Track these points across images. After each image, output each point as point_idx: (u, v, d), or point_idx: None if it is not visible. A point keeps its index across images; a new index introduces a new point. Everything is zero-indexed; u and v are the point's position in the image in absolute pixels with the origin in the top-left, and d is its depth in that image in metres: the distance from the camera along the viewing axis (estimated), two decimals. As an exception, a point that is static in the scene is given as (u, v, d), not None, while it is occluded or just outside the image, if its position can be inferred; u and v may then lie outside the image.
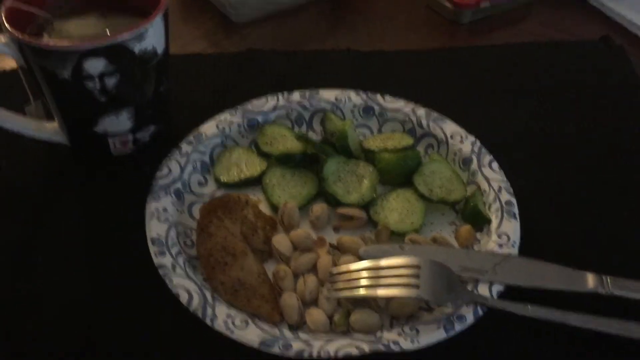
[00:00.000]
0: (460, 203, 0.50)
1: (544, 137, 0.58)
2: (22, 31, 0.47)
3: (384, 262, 0.42)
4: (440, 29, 0.73)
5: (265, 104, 0.57)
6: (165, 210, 0.48)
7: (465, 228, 0.48)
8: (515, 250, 0.45)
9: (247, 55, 0.67)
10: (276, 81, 0.63)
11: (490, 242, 0.46)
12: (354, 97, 0.57)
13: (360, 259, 0.45)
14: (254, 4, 0.71)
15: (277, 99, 0.57)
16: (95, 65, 0.46)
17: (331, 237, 0.48)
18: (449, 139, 0.53)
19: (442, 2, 0.73)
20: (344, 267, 0.43)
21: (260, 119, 0.56)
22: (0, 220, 0.50)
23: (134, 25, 0.46)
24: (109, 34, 0.48)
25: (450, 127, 0.54)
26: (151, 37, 0.48)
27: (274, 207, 0.50)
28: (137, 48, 0.47)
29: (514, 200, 0.48)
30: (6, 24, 0.46)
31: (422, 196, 0.49)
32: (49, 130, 0.53)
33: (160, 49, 0.49)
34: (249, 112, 0.56)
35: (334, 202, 0.50)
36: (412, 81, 0.64)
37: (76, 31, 0.50)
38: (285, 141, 0.54)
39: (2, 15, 0.47)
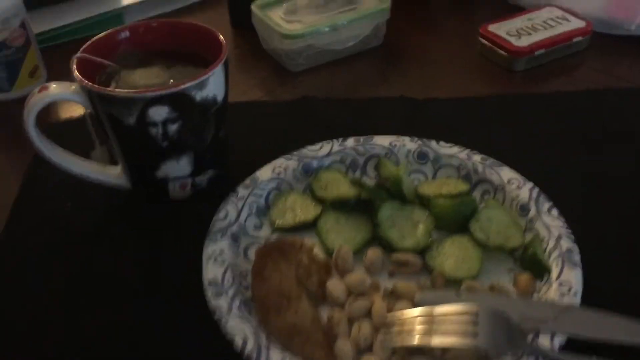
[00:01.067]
0: (518, 250, 0.49)
1: (602, 184, 0.56)
2: (91, 80, 0.50)
3: (440, 309, 0.42)
4: (495, 77, 0.73)
5: (320, 150, 0.57)
6: (222, 252, 0.48)
7: (525, 276, 0.47)
8: (577, 300, 0.44)
9: (302, 102, 0.68)
10: (330, 128, 0.64)
11: (551, 292, 0.45)
12: (409, 143, 0.58)
13: (416, 305, 0.44)
14: (309, 54, 0.73)
15: (332, 145, 0.58)
16: (159, 112, 0.48)
17: (386, 283, 0.48)
18: (506, 185, 0.53)
19: (497, 50, 0.73)
20: (399, 314, 0.43)
21: (315, 164, 0.57)
22: (62, 257, 0.52)
23: (195, 75, 0.48)
24: (171, 82, 0.51)
25: (507, 173, 0.54)
26: (212, 85, 0.49)
27: (329, 251, 0.50)
28: (198, 96, 0.49)
29: (575, 248, 0.47)
30: (76, 73, 0.49)
31: (478, 243, 0.49)
32: (112, 174, 0.55)
33: (220, 97, 0.51)
34: (304, 157, 0.57)
35: (388, 247, 0.49)
36: (466, 129, 0.64)
37: (142, 81, 0.52)
38: (340, 186, 0.55)
39: (73, 65, 0.50)
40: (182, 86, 0.47)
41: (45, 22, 0.79)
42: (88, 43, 0.52)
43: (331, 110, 0.67)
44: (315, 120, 0.66)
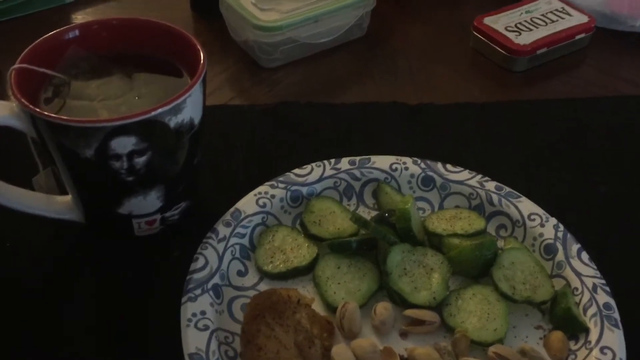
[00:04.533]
0: (547, 303, 0.43)
1: (622, 209, 0.51)
2: (34, 95, 0.40)
3: (475, 393, 0.35)
4: (492, 77, 0.65)
5: (309, 174, 0.49)
6: (203, 313, 0.40)
7: (557, 336, 0.41)
8: (623, 370, 0.38)
9: (281, 108, 0.60)
10: (315, 139, 0.56)
11: (591, 358, 0.39)
12: (412, 166, 0.50)
13: (442, 382, 0.37)
14: (285, 48, 0.64)
15: (323, 168, 0.50)
16: (124, 144, 0.38)
17: (397, 343, 0.41)
18: (527, 221, 0.46)
19: (494, 47, 0.66)
20: (424, 396, 0.36)
21: (304, 191, 0.49)
22: (2, 311, 0.42)
23: (168, 93, 0.39)
24: (137, 100, 0.41)
25: (527, 207, 0.47)
26: (189, 108, 0.40)
27: (328, 305, 0.42)
28: (173, 122, 0.40)
29: (613, 304, 0.41)
30: (15, 91, 0.39)
31: (503, 295, 0.42)
32: (62, 206, 0.46)
33: (197, 120, 0.42)
34: (291, 183, 0.48)
35: (399, 300, 0.42)
36: (466, 140, 0.57)
37: (98, 94, 0.42)
38: (335, 219, 0.47)
39: (11, 80, 0.39)
40: (154, 112, 0.38)
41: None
42: (29, 49, 0.42)
43: (315, 117, 0.59)
44: (297, 129, 0.58)
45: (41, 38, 0.43)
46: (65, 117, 0.37)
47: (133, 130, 0.38)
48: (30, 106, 0.38)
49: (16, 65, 0.40)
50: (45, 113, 0.37)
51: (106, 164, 0.39)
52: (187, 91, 0.39)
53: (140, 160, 0.40)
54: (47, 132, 0.38)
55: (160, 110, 0.38)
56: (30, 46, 0.42)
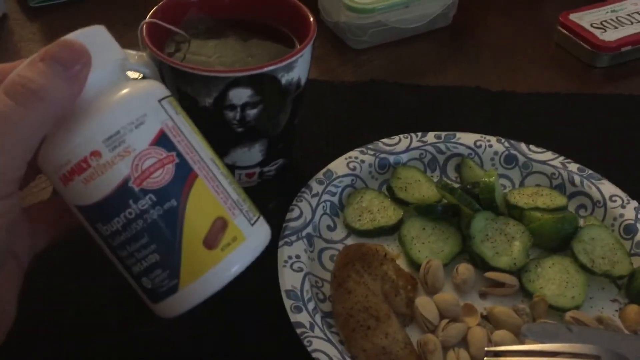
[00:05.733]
0: (623, 278, 0.44)
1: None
2: (159, 49, 0.44)
3: (554, 348, 0.37)
4: (573, 71, 0.67)
5: (397, 144, 0.52)
6: (298, 257, 0.43)
7: (633, 309, 0.42)
8: (699, 344, 0.39)
9: (369, 86, 0.63)
10: (401, 116, 0.59)
11: (667, 331, 0.40)
12: (495, 144, 0.52)
13: (521, 338, 0.40)
14: (374, 31, 0.67)
15: (410, 140, 0.53)
16: (240, 95, 0.42)
17: (476, 303, 0.43)
18: (608, 202, 0.48)
19: (578, 42, 0.67)
20: (505, 347, 0.38)
21: (391, 160, 0.51)
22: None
23: (281, 53, 0.43)
24: (251, 59, 0.45)
25: (608, 189, 0.49)
26: (299, 67, 0.44)
27: (414, 264, 0.45)
28: (284, 79, 0.43)
29: (691, 283, 0.42)
30: (147, 42, 0.43)
31: (582, 267, 0.44)
32: (170, 154, 0.49)
33: (303, 81, 0.45)
34: (380, 151, 0.51)
35: (480, 263, 0.45)
36: (545, 126, 0.58)
37: (215, 52, 0.46)
38: (420, 187, 0.50)
39: (143, 32, 0.43)
40: (270, 67, 0.41)
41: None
42: (157, 7, 0.46)
43: (401, 96, 0.62)
44: (383, 107, 0.61)
45: (166, -1, 0.47)
46: (192, 66, 0.41)
47: (250, 83, 0.42)
48: (161, 54, 0.42)
49: (147, 20, 0.44)
50: (175, 61, 0.41)
51: (221, 113, 0.43)
52: (300, 51, 0.43)
53: (252, 113, 0.43)
54: (172, 79, 0.42)
55: (275, 66, 0.42)
56: (158, 4, 0.46)
